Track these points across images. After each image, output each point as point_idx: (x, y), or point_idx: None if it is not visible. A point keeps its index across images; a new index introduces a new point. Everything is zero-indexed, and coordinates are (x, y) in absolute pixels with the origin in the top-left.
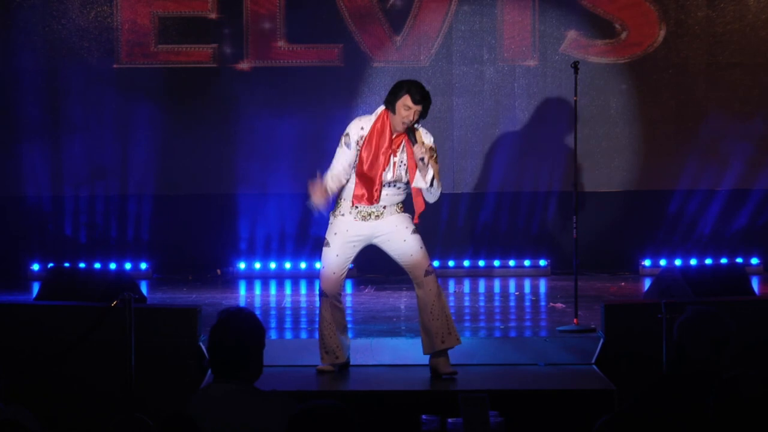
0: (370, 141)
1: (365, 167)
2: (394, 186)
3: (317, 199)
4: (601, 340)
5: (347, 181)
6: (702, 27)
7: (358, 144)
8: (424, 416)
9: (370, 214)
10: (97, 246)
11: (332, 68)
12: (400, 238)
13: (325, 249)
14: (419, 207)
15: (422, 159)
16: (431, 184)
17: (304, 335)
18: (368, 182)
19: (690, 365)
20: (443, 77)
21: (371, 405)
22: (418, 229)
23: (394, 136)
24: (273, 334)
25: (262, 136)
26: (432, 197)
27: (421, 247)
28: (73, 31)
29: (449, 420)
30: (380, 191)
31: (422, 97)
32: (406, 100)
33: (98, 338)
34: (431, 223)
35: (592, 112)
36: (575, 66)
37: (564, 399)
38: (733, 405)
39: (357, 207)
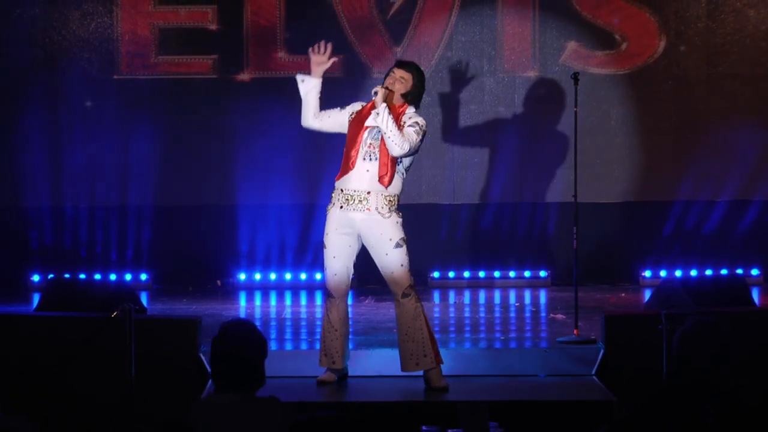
0: (361, 112)
1: (352, 128)
2: (375, 159)
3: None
4: (602, 351)
5: (318, 121)
6: (702, 38)
7: (350, 116)
8: (424, 427)
9: (353, 198)
10: (97, 257)
11: (332, 79)
12: (382, 251)
13: (324, 251)
14: (381, 170)
15: (375, 92)
16: (380, 116)
17: (304, 346)
18: (350, 145)
19: (690, 375)
20: (443, 88)
21: (372, 416)
22: (406, 241)
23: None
24: (273, 345)
25: (262, 147)
26: (389, 141)
27: (402, 265)
28: (74, 42)
29: (449, 431)
30: (357, 153)
31: (408, 65)
32: (393, 69)
33: (98, 349)
34: (431, 233)
35: (592, 122)
36: (575, 77)
37: (564, 410)
38: (733, 415)
39: (342, 190)
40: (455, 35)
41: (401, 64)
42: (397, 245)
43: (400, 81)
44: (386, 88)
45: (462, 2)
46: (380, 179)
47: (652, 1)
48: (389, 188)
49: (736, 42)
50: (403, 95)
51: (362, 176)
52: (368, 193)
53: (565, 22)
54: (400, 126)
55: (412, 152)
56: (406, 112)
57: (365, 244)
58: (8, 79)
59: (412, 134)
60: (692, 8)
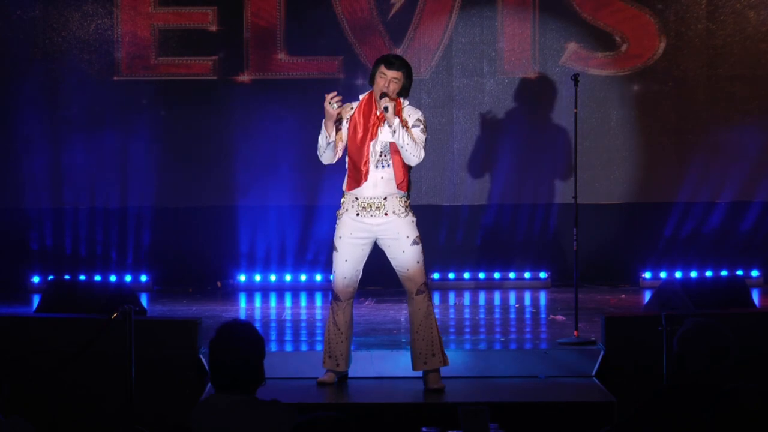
0: (357, 117)
1: (355, 142)
2: (387, 166)
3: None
4: (602, 353)
5: (337, 155)
6: (702, 39)
7: (347, 122)
8: (424, 428)
9: (370, 206)
10: (97, 258)
11: (333, 80)
12: (399, 249)
13: (334, 254)
14: (398, 176)
15: (386, 108)
16: (396, 133)
17: (304, 347)
18: (358, 158)
19: (690, 377)
20: (443, 89)
21: (372, 417)
22: (421, 239)
23: (379, 112)
24: (273, 347)
25: (262, 149)
26: (407, 154)
27: (418, 262)
28: (74, 43)
29: None
30: (368, 165)
31: (397, 63)
32: (381, 68)
33: (98, 350)
34: (432, 234)
35: (592, 124)
36: (575, 78)
37: (564, 411)
38: (733, 417)
39: (357, 198)
40: (455, 36)
41: (390, 65)
42: (414, 242)
43: (394, 82)
44: (390, 97)
45: (462, 3)
46: (399, 186)
47: (652, 3)
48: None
49: (736, 43)
50: (398, 94)
51: (377, 184)
52: (384, 198)
53: (565, 23)
54: (404, 125)
55: None
56: (404, 107)
57: (381, 245)
58: (8, 81)
59: (421, 136)
60: (692, 10)
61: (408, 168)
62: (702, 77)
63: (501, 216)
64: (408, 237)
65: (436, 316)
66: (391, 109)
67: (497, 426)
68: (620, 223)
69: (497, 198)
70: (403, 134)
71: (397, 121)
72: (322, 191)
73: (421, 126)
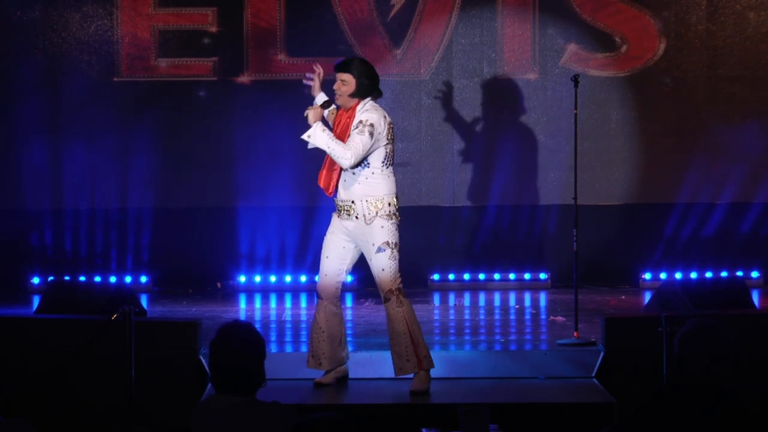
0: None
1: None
2: (349, 171)
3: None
4: (602, 354)
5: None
6: (702, 40)
7: None
8: (424, 429)
9: (342, 208)
10: (97, 259)
11: (332, 81)
12: (368, 256)
13: (321, 253)
14: (326, 180)
15: (307, 115)
16: (312, 138)
17: (304, 348)
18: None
19: (690, 378)
20: (443, 90)
21: (372, 418)
22: (390, 245)
23: (326, 113)
24: (273, 348)
25: (262, 149)
26: (337, 159)
27: (383, 270)
28: (74, 44)
29: None
30: (327, 169)
31: (343, 64)
32: (335, 75)
33: (98, 352)
34: (432, 236)
35: (592, 125)
36: (575, 79)
37: (564, 412)
38: (733, 418)
39: (335, 201)
40: (455, 37)
41: (338, 67)
42: (379, 249)
43: (342, 83)
44: (327, 103)
45: (462, 4)
46: (325, 190)
47: (652, 4)
48: (372, 191)
49: (736, 44)
50: (352, 95)
51: (344, 187)
52: (352, 202)
53: (565, 24)
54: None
55: (365, 152)
56: (358, 109)
57: (362, 251)
58: (8, 81)
59: (355, 138)
60: (692, 11)
61: (337, 172)
62: (702, 78)
63: (501, 217)
64: (373, 245)
65: (436, 317)
66: (310, 116)
67: (497, 427)
68: (620, 224)
69: (497, 199)
70: (320, 139)
71: (315, 126)
72: (322, 192)
73: (360, 127)
